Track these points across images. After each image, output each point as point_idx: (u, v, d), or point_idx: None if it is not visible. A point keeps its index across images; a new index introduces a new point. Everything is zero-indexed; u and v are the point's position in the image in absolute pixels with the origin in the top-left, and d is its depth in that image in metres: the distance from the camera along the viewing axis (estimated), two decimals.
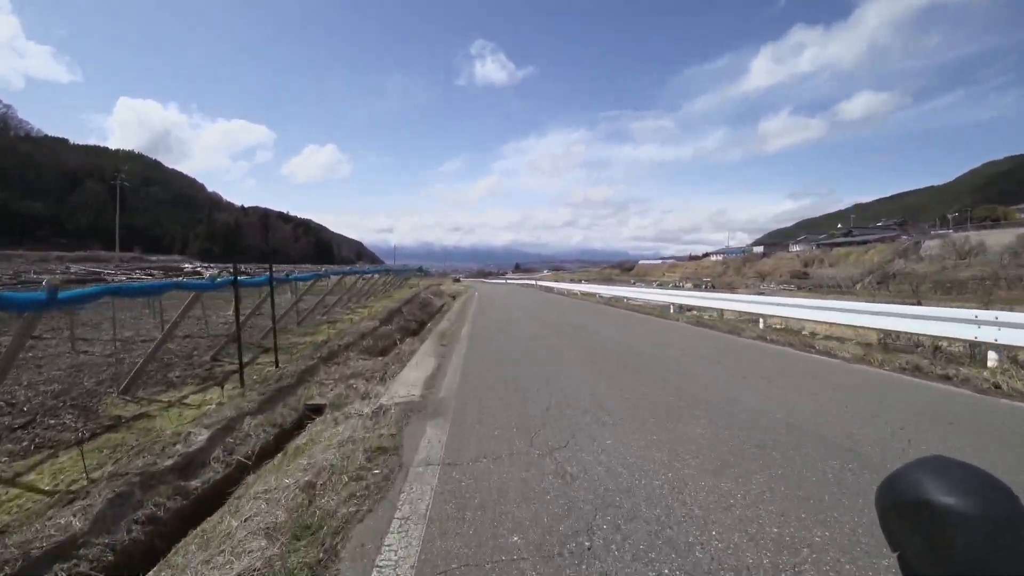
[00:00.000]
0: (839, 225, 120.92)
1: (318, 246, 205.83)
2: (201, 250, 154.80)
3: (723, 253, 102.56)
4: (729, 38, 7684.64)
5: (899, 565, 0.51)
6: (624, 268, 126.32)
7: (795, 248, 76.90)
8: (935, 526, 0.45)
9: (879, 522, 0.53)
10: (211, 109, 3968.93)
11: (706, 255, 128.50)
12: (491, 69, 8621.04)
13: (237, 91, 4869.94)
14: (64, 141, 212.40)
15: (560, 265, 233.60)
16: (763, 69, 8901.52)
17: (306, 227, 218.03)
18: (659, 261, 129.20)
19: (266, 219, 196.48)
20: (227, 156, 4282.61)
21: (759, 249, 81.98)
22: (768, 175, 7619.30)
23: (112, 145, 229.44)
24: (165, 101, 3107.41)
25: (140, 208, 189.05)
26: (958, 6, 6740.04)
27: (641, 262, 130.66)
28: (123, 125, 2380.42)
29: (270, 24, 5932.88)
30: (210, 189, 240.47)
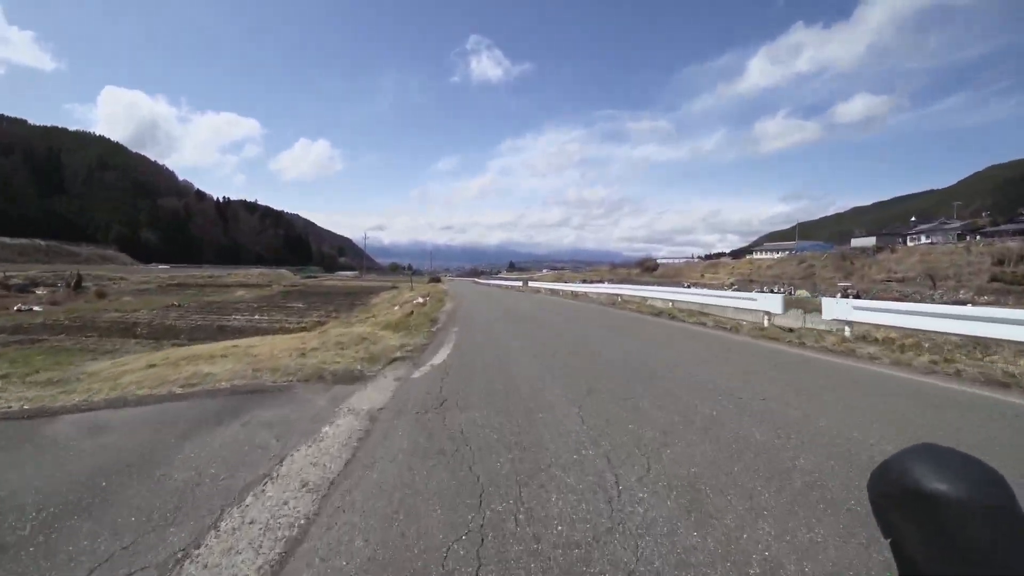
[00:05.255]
0: (913, 218, 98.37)
1: (289, 240, 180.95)
2: (144, 241, 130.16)
3: (784, 250, 79.08)
4: (728, 38, 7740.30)
5: (892, 552, 0.51)
6: (646, 267, 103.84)
7: (923, 240, 53.43)
8: (927, 513, 0.46)
9: (872, 509, 0.53)
10: (199, 101, 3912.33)
11: (748, 252, 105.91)
12: (487, 66, 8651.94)
13: (226, 84, 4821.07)
14: (22, 122, 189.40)
15: (554, 265, 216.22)
16: (761, 70, 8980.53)
17: (276, 218, 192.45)
18: (682, 260, 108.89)
19: (225, 207, 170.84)
20: (216, 150, 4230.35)
21: (864, 241, 58.01)
22: (762, 178, 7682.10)
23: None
24: (152, 92, 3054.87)
25: (83, 193, 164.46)
26: (961, 7, 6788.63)
27: (662, 261, 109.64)
28: (108, 115, 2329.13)
29: (260, 15, 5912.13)
30: (200, 185, 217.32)
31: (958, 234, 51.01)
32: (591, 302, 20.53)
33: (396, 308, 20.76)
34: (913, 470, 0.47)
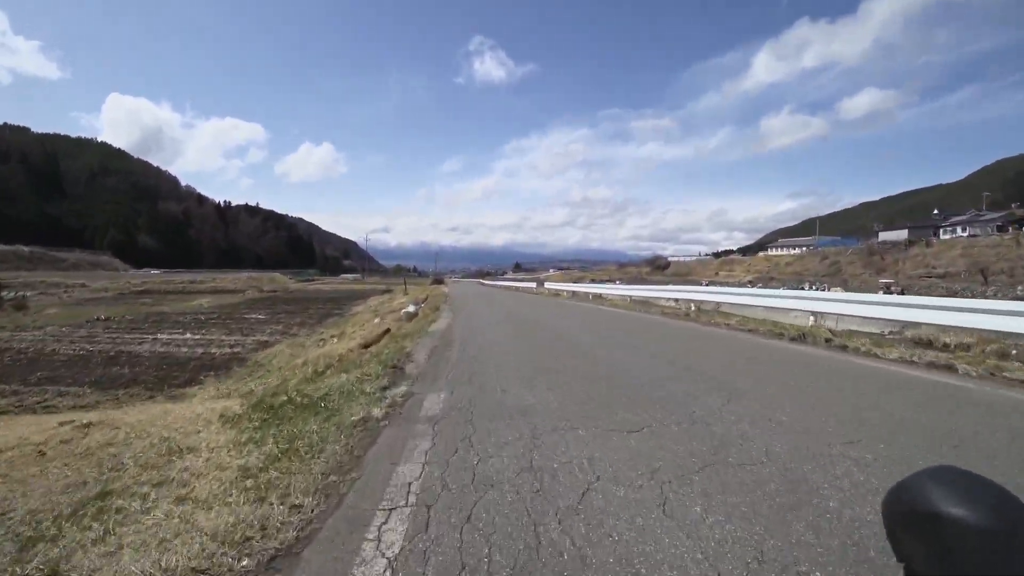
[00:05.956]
0: (936, 211, 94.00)
1: (291, 243, 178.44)
2: (142, 245, 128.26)
3: (801, 245, 75.62)
4: (732, 35, 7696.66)
5: (905, 575, 0.49)
6: (656, 266, 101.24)
7: (960, 232, 49.46)
8: (943, 537, 0.44)
9: (886, 532, 0.50)
10: (204, 107, 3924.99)
11: (762, 248, 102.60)
12: (490, 67, 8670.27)
13: (230, 89, 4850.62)
14: (25, 130, 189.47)
15: (559, 265, 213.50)
16: (766, 66, 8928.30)
17: (277, 221, 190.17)
18: (693, 258, 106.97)
19: (226, 211, 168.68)
20: (221, 155, 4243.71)
21: (894, 235, 54.08)
22: (768, 175, 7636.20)
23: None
24: (157, 99, 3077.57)
25: (82, 199, 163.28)
26: (967, 0, 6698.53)
27: (672, 259, 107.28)
28: (113, 122, 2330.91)
29: (265, 21, 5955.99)
30: (205, 190, 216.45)
31: (998, 226, 47.01)
32: (652, 311, 13.98)
33: (376, 320, 17.43)
34: (929, 493, 0.45)
